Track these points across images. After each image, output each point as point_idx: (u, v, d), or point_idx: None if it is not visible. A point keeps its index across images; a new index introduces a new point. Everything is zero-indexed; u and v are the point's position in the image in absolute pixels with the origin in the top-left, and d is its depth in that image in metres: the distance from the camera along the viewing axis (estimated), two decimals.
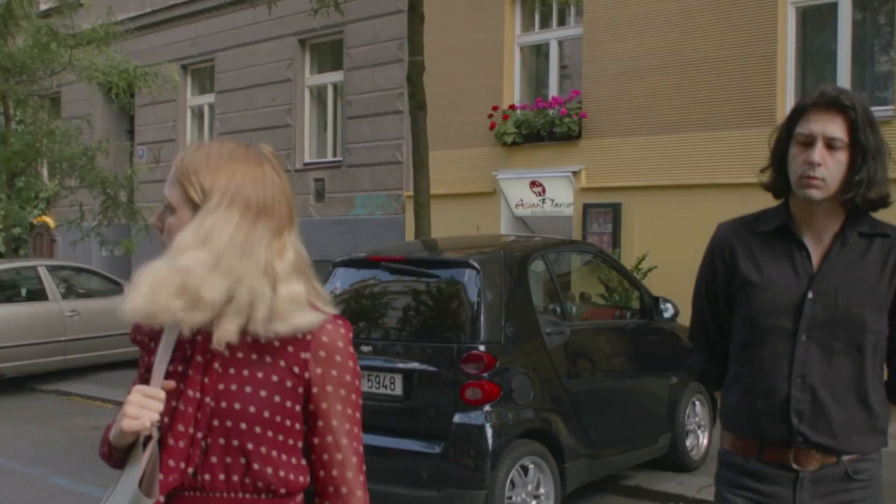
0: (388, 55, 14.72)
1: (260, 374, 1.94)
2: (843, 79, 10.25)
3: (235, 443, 1.92)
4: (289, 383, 1.95)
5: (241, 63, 17.01)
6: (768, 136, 2.82)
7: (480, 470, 5.74)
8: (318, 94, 16.34)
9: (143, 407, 1.89)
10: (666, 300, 7.52)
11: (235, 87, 17.15)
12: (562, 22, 13.14)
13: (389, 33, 14.68)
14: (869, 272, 2.66)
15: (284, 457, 1.96)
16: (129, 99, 16.06)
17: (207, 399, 1.93)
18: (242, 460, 1.93)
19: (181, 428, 1.92)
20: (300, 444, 1.99)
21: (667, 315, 7.49)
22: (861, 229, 2.69)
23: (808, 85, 10.84)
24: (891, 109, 9.72)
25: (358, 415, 2.02)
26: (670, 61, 11.37)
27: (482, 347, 5.88)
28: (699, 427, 7.74)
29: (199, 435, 1.92)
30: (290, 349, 1.95)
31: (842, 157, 2.60)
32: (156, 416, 1.90)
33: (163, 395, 1.92)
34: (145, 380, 2.02)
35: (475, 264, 6.10)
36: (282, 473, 1.95)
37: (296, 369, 1.95)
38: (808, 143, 2.61)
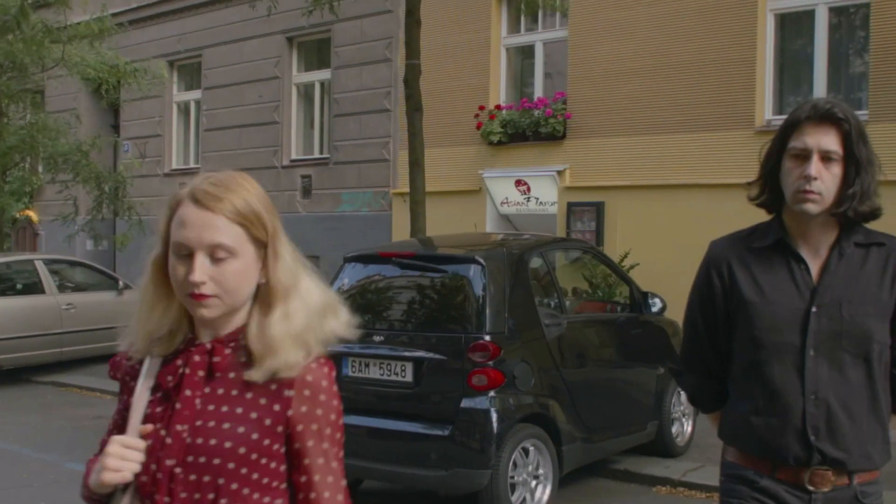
0: (376, 55, 15.03)
1: (239, 411, 1.93)
2: (820, 83, 10.73)
3: (207, 478, 1.90)
4: (268, 421, 1.93)
5: (228, 60, 17.21)
6: (759, 151, 2.83)
7: (486, 451, 6.14)
8: (306, 92, 16.60)
9: (124, 458, 1.89)
10: (654, 295, 7.94)
11: (222, 84, 17.35)
12: (547, 24, 13.52)
13: (377, 33, 14.99)
14: (869, 282, 2.65)
15: (257, 496, 1.92)
16: (116, 94, 16.24)
17: (185, 435, 1.92)
18: (211, 496, 1.90)
19: (168, 463, 1.91)
20: (283, 486, 1.96)
21: (655, 309, 7.92)
22: (856, 239, 2.68)
23: (786, 89, 11.32)
24: (865, 113, 10.18)
25: (341, 454, 2.01)
26: (653, 65, 11.79)
27: (488, 337, 6.27)
28: (684, 415, 8.17)
29: (178, 470, 1.91)
30: (273, 387, 1.94)
31: (837, 171, 2.60)
32: (137, 468, 1.90)
33: (142, 444, 1.92)
34: (123, 417, 2.02)
35: (481, 260, 6.49)
36: None
37: (276, 407, 1.93)
38: (803, 156, 2.60)
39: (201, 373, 1.95)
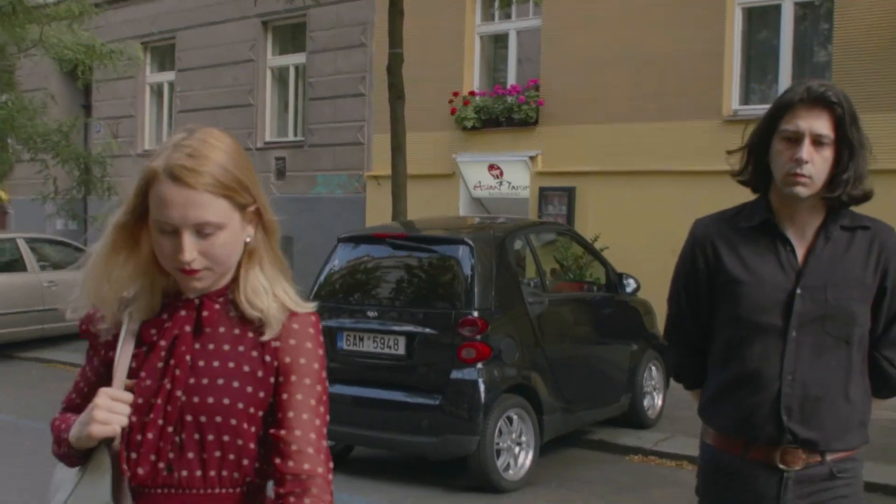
0: (352, 40, 15.30)
1: (231, 365, 1.91)
2: (785, 74, 11.20)
3: (211, 437, 1.88)
4: (260, 373, 1.92)
5: (202, 42, 17.33)
6: (743, 130, 2.85)
7: (474, 419, 6.56)
8: (280, 76, 16.83)
9: (112, 411, 1.83)
10: (628, 276, 8.39)
11: (196, 66, 17.46)
12: (521, 13, 13.86)
13: (352, 18, 15.25)
14: (854, 265, 2.64)
15: (252, 445, 1.91)
16: (90, 75, 16.32)
17: (178, 393, 1.88)
18: (218, 454, 1.88)
19: (158, 421, 1.87)
20: (262, 434, 1.94)
21: (629, 290, 8.37)
22: (842, 223, 2.67)
23: (752, 80, 11.79)
24: None
25: (322, 408, 1.95)
26: (624, 55, 12.20)
27: (476, 313, 6.68)
28: (655, 389, 8.64)
29: (170, 429, 1.87)
30: (262, 338, 1.93)
31: (828, 154, 2.57)
32: (125, 421, 1.85)
33: (130, 397, 1.86)
34: (100, 374, 1.99)
35: (469, 242, 6.90)
36: (257, 465, 1.93)
37: (267, 358, 1.92)
38: (795, 139, 2.57)
39: (188, 328, 1.92)
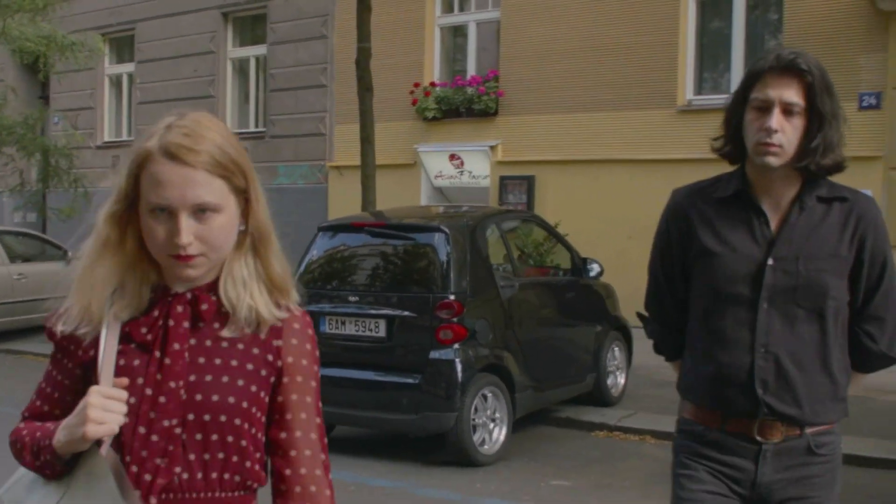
0: (312, 31, 15.53)
1: (234, 363, 1.83)
2: (737, 63, 11.66)
3: (214, 437, 1.80)
4: (263, 372, 1.85)
5: (162, 34, 17.44)
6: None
7: (452, 397, 6.93)
8: (241, 67, 17.00)
9: (107, 409, 1.71)
10: (593, 260, 8.79)
11: (157, 58, 17.58)
12: (480, 5, 14.18)
13: (313, 10, 15.49)
14: (829, 236, 2.60)
15: (252, 448, 1.84)
16: (52, 67, 16.33)
17: (181, 392, 1.80)
18: (221, 455, 1.80)
19: (163, 421, 1.78)
20: (262, 436, 1.87)
21: (593, 274, 8.78)
22: (819, 193, 2.62)
23: (705, 69, 12.25)
24: None
25: (320, 405, 1.93)
26: (581, 46, 12.60)
27: (452, 297, 7.04)
28: (618, 369, 9.05)
29: (178, 431, 1.78)
30: (262, 336, 1.86)
31: (798, 123, 2.53)
32: (122, 420, 1.74)
33: (125, 395, 1.75)
34: (74, 377, 1.86)
35: (445, 229, 7.25)
36: (256, 468, 1.85)
37: (269, 357, 1.86)
38: (765, 108, 2.53)
39: (186, 324, 1.82)
